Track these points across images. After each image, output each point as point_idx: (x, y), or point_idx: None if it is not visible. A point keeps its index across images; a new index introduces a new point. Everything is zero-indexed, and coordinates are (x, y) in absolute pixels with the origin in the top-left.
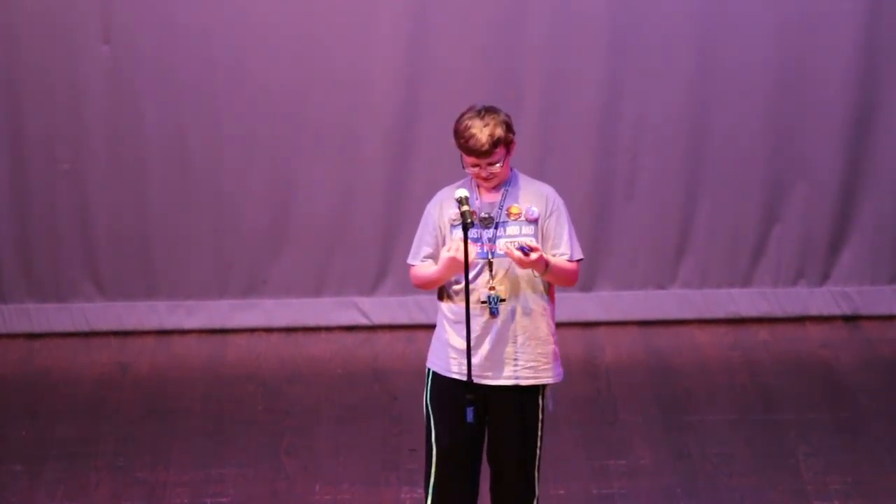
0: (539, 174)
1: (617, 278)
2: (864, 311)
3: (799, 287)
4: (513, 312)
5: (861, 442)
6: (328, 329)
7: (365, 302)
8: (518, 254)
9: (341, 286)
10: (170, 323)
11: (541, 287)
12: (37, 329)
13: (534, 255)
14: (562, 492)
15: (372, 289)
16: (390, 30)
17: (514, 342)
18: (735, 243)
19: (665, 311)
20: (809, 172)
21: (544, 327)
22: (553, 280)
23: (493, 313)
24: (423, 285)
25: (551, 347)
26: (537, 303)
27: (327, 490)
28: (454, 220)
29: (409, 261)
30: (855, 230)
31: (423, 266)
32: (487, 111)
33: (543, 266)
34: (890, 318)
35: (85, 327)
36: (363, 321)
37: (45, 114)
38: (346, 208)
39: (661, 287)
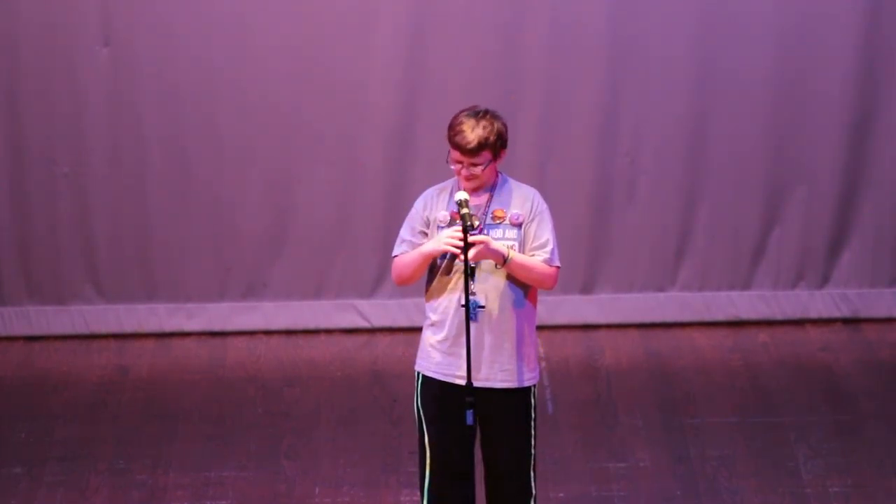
0: (539, 178)
1: (617, 281)
2: (863, 314)
3: (799, 289)
4: (491, 315)
5: (861, 444)
6: (328, 332)
7: (364, 305)
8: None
9: (341, 289)
10: (170, 325)
11: (520, 291)
12: (37, 331)
13: (472, 251)
14: (561, 494)
15: (371, 291)
16: (389, 34)
17: (491, 345)
18: (735, 246)
19: (665, 313)
20: (809, 175)
21: (522, 331)
22: (519, 276)
23: (472, 318)
24: (402, 275)
25: (528, 350)
26: (517, 306)
27: (327, 493)
28: (442, 222)
29: (393, 253)
30: (854, 232)
31: (404, 255)
32: (487, 114)
33: (500, 258)
34: (890, 320)
35: (85, 330)
36: (363, 324)
37: (44, 116)
38: (345, 211)
39: (661, 290)
